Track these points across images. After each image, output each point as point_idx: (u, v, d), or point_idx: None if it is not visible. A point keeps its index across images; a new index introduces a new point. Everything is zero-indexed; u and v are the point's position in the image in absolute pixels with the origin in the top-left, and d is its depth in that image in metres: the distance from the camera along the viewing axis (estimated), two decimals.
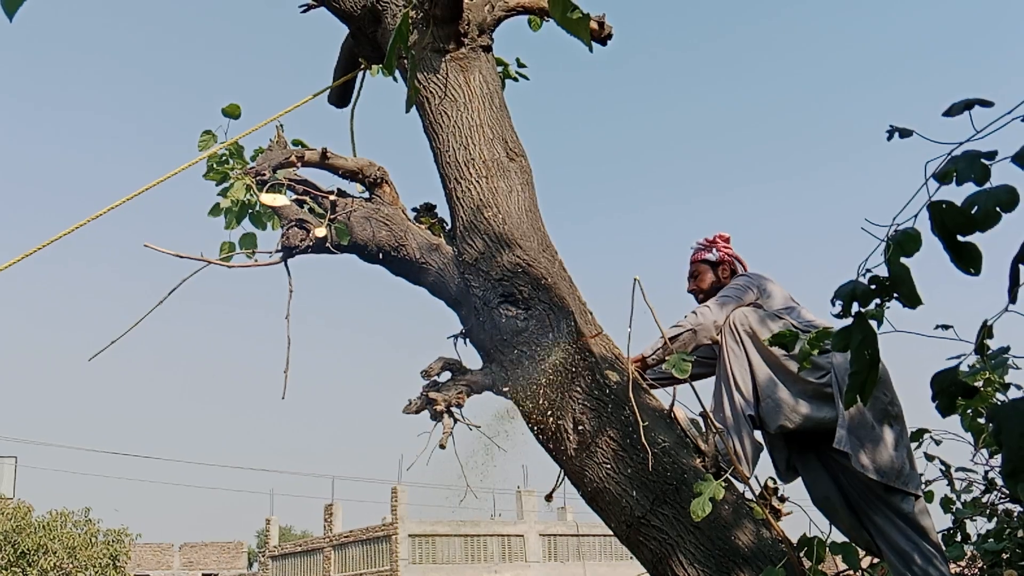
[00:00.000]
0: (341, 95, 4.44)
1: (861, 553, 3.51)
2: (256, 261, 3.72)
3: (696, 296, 4.16)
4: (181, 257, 3.50)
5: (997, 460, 4.68)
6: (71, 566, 41.01)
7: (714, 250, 4.15)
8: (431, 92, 3.74)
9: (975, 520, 4.73)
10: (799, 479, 3.77)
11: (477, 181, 3.61)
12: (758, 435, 3.69)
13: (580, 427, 3.29)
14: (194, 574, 50.95)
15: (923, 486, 3.68)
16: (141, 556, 51.59)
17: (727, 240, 4.18)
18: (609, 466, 3.25)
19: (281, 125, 3.77)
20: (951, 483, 4.77)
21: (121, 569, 43.48)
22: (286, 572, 35.98)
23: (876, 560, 3.73)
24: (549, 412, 3.34)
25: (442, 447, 3.42)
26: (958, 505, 4.74)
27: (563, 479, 3.56)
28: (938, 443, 4.60)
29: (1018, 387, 4.35)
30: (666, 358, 3.41)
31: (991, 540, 4.43)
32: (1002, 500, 4.69)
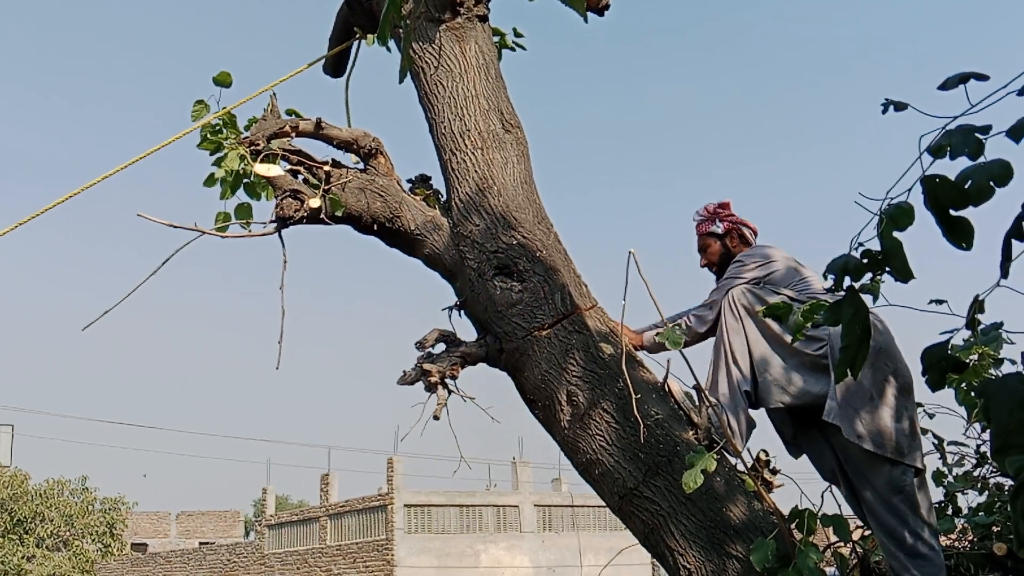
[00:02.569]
0: (336, 65, 4.40)
1: (852, 525, 3.53)
2: (250, 231, 3.70)
3: (710, 270, 4.13)
4: (175, 227, 3.48)
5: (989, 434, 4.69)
6: (68, 534, 41.21)
7: (718, 221, 4.11)
8: (426, 62, 3.71)
9: (966, 493, 4.75)
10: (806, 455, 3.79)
11: (473, 152, 3.60)
12: (753, 412, 3.70)
13: (574, 399, 3.30)
14: (191, 542, 51.28)
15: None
16: (138, 524, 51.95)
17: (727, 207, 4.14)
18: (602, 438, 3.25)
19: (275, 95, 3.74)
20: (943, 456, 4.79)
21: (118, 537, 43.72)
22: (282, 541, 36.15)
23: (868, 532, 3.76)
24: (543, 384, 3.34)
25: (436, 418, 3.43)
26: (950, 478, 4.76)
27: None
28: (931, 416, 4.61)
29: (1012, 362, 4.36)
30: (656, 335, 3.43)
31: (982, 513, 4.45)
32: (993, 474, 4.72)
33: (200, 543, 49.54)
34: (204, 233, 3.52)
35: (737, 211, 4.14)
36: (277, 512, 37.98)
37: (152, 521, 53.91)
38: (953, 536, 4.51)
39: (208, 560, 39.64)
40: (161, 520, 54.40)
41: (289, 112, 3.77)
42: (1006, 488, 4.59)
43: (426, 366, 3.46)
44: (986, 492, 4.67)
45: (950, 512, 4.67)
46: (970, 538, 4.44)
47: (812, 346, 3.53)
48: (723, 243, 4.09)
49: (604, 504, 3.44)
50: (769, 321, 3.60)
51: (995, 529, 4.28)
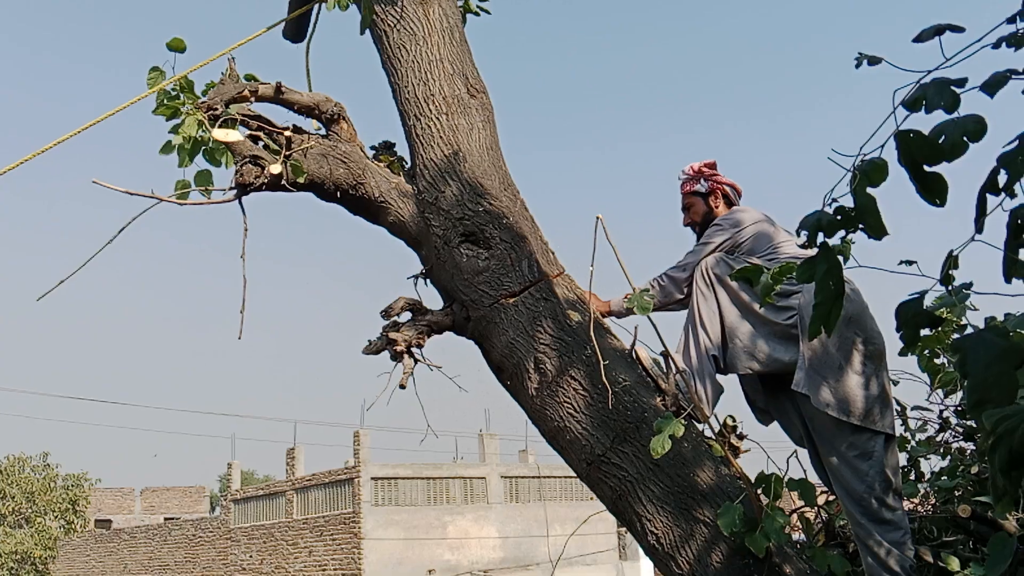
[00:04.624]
0: (296, 29, 4.30)
1: (818, 490, 3.54)
2: (209, 199, 3.62)
3: (692, 229, 4.11)
4: (131, 194, 3.39)
5: (951, 400, 4.75)
6: (30, 511, 40.81)
7: (703, 180, 4.09)
8: (388, 25, 3.64)
9: (929, 458, 4.80)
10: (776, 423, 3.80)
11: (437, 118, 3.54)
12: (721, 378, 3.70)
13: (541, 367, 3.27)
14: (156, 518, 50.94)
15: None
16: (101, 501, 51.50)
17: (713, 167, 4.11)
18: (570, 405, 3.23)
19: (233, 58, 3.64)
20: (906, 422, 4.84)
21: (81, 513, 43.36)
22: (248, 515, 35.98)
23: (833, 497, 3.78)
24: (510, 352, 3.31)
25: (402, 387, 3.40)
26: (913, 444, 4.81)
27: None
28: (896, 383, 4.64)
29: (975, 328, 4.38)
30: (625, 300, 3.40)
31: (944, 478, 4.49)
32: (956, 438, 4.77)
33: (165, 519, 49.23)
34: (161, 200, 3.44)
35: (722, 171, 4.12)
36: (243, 487, 37.79)
37: (116, 497, 53.45)
38: (916, 500, 4.55)
39: (173, 536, 39.41)
40: (125, 496, 53.95)
41: (247, 77, 3.68)
42: (968, 452, 4.64)
43: (392, 335, 3.41)
44: (948, 457, 4.72)
45: (913, 477, 4.71)
46: (933, 502, 4.48)
47: (782, 316, 3.53)
48: (707, 203, 4.08)
49: (571, 475, 3.42)
50: (740, 291, 3.59)
51: (957, 493, 4.32)
